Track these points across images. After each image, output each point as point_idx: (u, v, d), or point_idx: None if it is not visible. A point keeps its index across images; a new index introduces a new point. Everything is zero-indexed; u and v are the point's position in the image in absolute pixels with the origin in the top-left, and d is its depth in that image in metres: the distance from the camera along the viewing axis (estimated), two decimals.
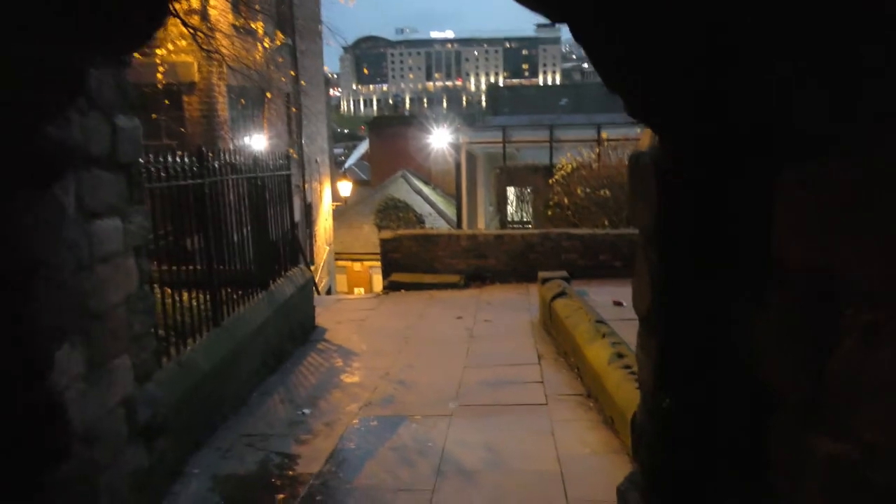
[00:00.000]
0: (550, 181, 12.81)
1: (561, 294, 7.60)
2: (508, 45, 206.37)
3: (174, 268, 5.02)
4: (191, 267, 5.51)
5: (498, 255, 11.12)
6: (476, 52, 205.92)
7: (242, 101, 13.16)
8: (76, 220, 2.86)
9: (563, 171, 12.46)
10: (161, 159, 4.64)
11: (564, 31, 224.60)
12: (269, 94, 14.15)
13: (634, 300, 2.63)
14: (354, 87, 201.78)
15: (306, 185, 18.25)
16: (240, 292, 6.31)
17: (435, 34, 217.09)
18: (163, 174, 4.73)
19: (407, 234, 11.34)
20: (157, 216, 4.70)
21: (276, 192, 8.00)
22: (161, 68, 10.02)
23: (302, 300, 8.13)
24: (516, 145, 21.25)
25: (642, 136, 2.90)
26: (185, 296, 5.46)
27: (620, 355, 5.11)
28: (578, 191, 11.71)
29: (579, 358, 5.97)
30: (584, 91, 32.48)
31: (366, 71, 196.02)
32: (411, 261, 11.28)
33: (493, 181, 23.82)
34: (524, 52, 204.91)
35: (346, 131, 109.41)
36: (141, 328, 3.71)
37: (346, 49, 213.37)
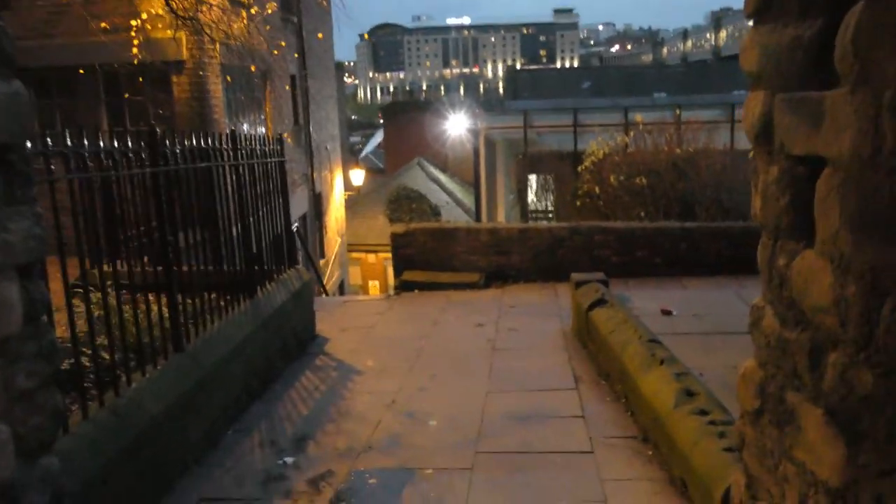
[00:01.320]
0: (579, 168, 11.62)
1: (600, 302, 6.44)
2: (525, 31, 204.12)
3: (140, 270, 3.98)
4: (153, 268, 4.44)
5: (522, 251, 9.97)
6: (493, 39, 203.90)
7: (240, 82, 12.05)
8: None
9: (593, 158, 11.27)
10: (89, 143, 3.53)
11: (582, 16, 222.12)
12: (268, 77, 13.06)
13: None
14: (371, 75, 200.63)
15: (315, 174, 17.17)
16: (215, 303, 5.22)
17: (451, 21, 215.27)
18: (103, 163, 3.65)
19: (421, 228, 10.21)
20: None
21: (267, 182, 6.90)
22: (135, 41, 8.93)
23: (298, 307, 7.03)
24: (537, 130, 20.03)
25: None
26: (150, 308, 4.39)
27: (690, 393, 3.95)
28: (612, 179, 10.52)
29: (630, 388, 4.82)
30: (607, 74, 31.19)
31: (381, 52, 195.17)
32: (426, 257, 10.15)
33: (513, 168, 22.64)
34: (541, 37, 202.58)
35: (362, 120, 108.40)
36: (29, 382, 2.61)
37: (361, 36, 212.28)
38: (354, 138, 78.80)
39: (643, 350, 4.92)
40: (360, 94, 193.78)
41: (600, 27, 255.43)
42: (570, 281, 7.39)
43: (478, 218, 21.84)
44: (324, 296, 10.55)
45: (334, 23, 20.63)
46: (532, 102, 23.80)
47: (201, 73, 10.07)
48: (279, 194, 7.28)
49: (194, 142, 4.99)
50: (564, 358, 6.44)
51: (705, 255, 9.63)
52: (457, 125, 27.96)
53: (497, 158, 21.50)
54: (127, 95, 9.53)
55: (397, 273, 10.25)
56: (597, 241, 9.79)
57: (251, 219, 6.28)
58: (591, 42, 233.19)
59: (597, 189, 10.76)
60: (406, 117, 30.89)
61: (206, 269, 5.23)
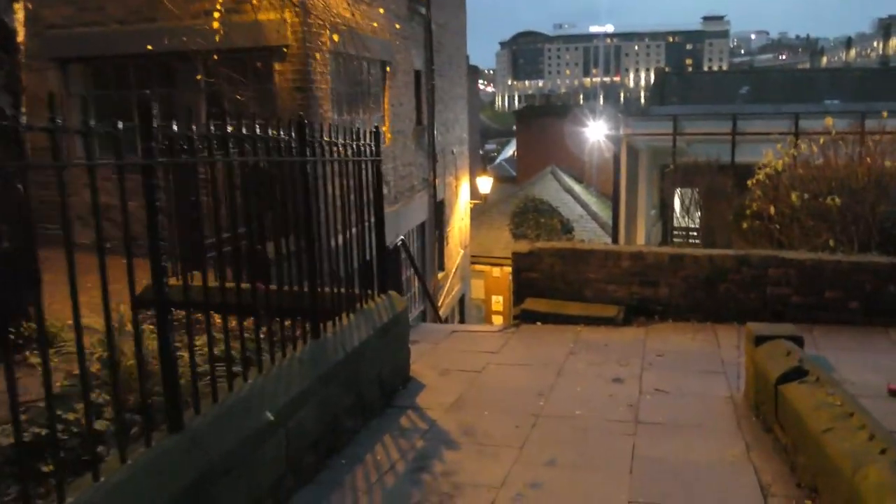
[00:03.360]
0: (750, 183, 9.48)
1: (797, 372, 4.51)
2: (671, 40, 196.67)
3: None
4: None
5: (672, 283, 8.05)
6: (636, 47, 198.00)
7: (354, 74, 10.81)
8: None
9: (768, 170, 9.13)
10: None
11: (734, 24, 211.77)
12: (389, 69, 11.77)
13: None
14: (509, 82, 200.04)
15: (438, 180, 15.80)
16: (254, 346, 3.81)
17: (594, 28, 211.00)
18: None
19: (549, 249, 8.50)
20: None
21: (357, 185, 5.47)
22: (218, 25, 7.81)
23: (386, 345, 5.54)
24: (687, 139, 17.73)
25: None
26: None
27: None
28: (793, 197, 8.35)
29: None
30: (769, 78, 28.02)
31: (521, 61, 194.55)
32: (553, 283, 8.44)
33: (656, 180, 20.42)
34: (688, 46, 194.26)
35: (499, 127, 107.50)
36: None
37: (501, 44, 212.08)
38: (490, 146, 77.99)
39: (893, 478, 3.02)
40: (498, 101, 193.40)
41: (753, 35, 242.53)
42: (747, 333, 5.45)
43: (615, 233, 19.78)
44: (428, 323, 9.04)
45: (467, 19, 19.28)
46: (682, 108, 21.43)
47: (307, 61, 8.85)
48: (370, 201, 5.83)
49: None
50: (741, 447, 4.56)
51: None
52: (596, 132, 25.93)
53: (639, 168, 19.37)
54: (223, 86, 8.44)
55: (517, 300, 8.59)
56: (772, 275, 7.72)
57: (322, 231, 4.85)
58: (742, 51, 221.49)
59: (771, 209, 8.63)
60: (541, 123, 29.08)
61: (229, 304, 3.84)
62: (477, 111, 46.33)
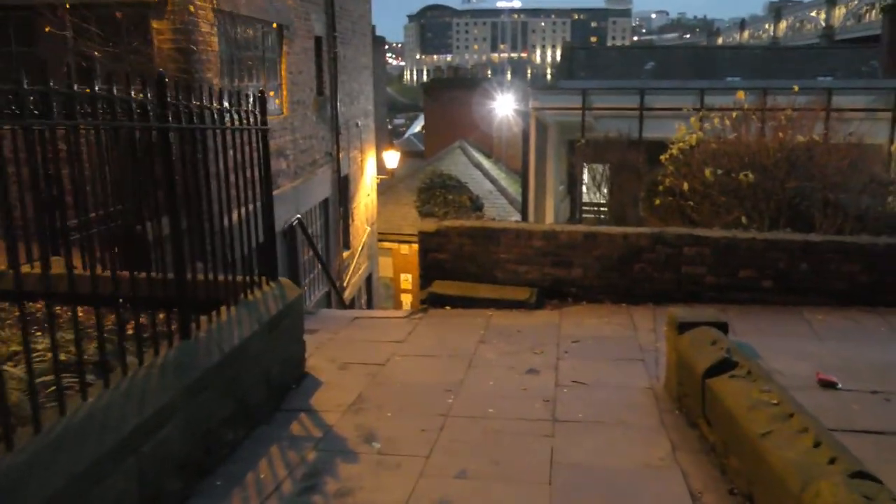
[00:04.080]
0: (663, 158, 9.21)
1: (725, 364, 4.14)
2: (577, 17, 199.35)
3: None
4: None
5: (587, 263, 7.68)
6: (543, 24, 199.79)
7: (245, 36, 9.90)
8: None
9: (681, 144, 8.87)
10: None
11: (636, 3, 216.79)
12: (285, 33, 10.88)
13: None
14: (418, 56, 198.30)
15: (342, 154, 15.01)
16: (79, 365, 3.09)
17: (502, 4, 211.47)
18: None
19: (457, 227, 7.97)
20: None
21: (241, 156, 4.76)
22: None
23: (274, 341, 4.87)
24: (595, 114, 17.53)
25: None
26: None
27: None
28: (707, 173, 8.11)
29: None
30: (674, 55, 28.35)
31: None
32: (462, 265, 7.93)
33: (564, 156, 20.25)
34: (592, 24, 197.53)
35: (407, 102, 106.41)
36: None
37: (410, 17, 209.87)
38: (398, 120, 77.05)
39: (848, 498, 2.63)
40: (407, 75, 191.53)
41: (653, 15, 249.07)
42: (669, 319, 5.07)
43: (524, 209, 19.50)
44: (328, 309, 8.30)
45: None
46: (589, 83, 21.29)
47: (188, 18, 7.92)
48: (257, 176, 5.12)
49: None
50: (666, 448, 4.17)
51: (833, 279, 7.24)
52: (504, 106, 25.64)
53: (548, 144, 19.08)
54: (95, 47, 7.43)
55: (425, 282, 8.04)
56: (686, 254, 7.45)
57: (194, 209, 4.13)
58: (644, 30, 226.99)
59: (685, 185, 8.37)
60: (449, 95, 28.48)
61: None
62: (384, 84, 45.27)
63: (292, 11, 11.33)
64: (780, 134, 8.12)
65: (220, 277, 4.48)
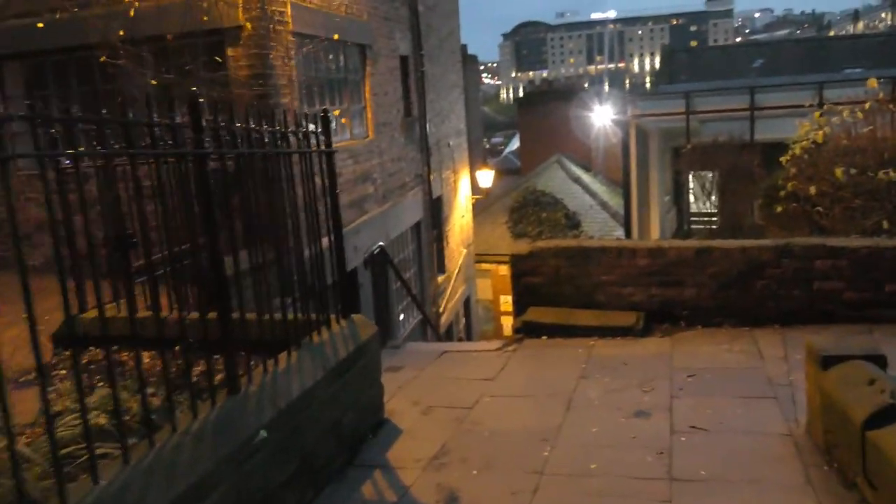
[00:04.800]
0: (784, 159, 8.19)
1: (891, 412, 3.27)
2: (675, 22, 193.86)
3: None
4: None
5: (700, 281, 6.80)
6: (640, 32, 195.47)
7: (325, 58, 9.61)
8: None
9: (804, 143, 7.84)
10: None
11: (737, 3, 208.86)
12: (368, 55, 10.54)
13: None
14: (514, 74, 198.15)
15: (433, 175, 14.58)
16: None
17: (596, 15, 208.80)
18: None
19: (552, 248, 7.27)
20: None
21: (304, 184, 4.31)
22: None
23: (345, 386, 4.34)
24: (700, 117, 16.38)
25: None
26: None
27: None
28: (838, 173, 7.08)
29: None
30: (783, 49, 26.51)
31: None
32: (559, 288, 7.22)
33: (668, 164, 19.13)
34: (692, 28, 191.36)
35: (505, 120, 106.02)
36: None
37: (504, 36, 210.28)
38: (496, 139, 76.76)
39: None
40: (503, 94, 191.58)
41: (757, 14, 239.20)
42: (808, 350, 4.21)
43: (627, 223, 18.48)
44: (415, 343, 7.72)
45: (469, 11, 18.03)
46: (692, 85, 20.06)
47: (265, 43, 7.65)
48: (323, 203, 4.64)
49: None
50: None
51: None
52: (602, 116, 24.66)
53: (650, 152, 18.04)
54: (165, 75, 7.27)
55: (518, 309, 7.37)
56: (819, 268, 6.45)
57: (246, 243, 3.66)
58: (747, 30, 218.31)
59: (811, 189, 7.34)
60: (545, 109, 27.71)
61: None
62: (479, 103, 45.04)
63: (374, 30, 11.00)
64: None
65: (278, 318, 3.99)
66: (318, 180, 4.61)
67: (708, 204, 15.61)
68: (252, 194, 3.83)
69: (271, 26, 7.72)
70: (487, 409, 5.16)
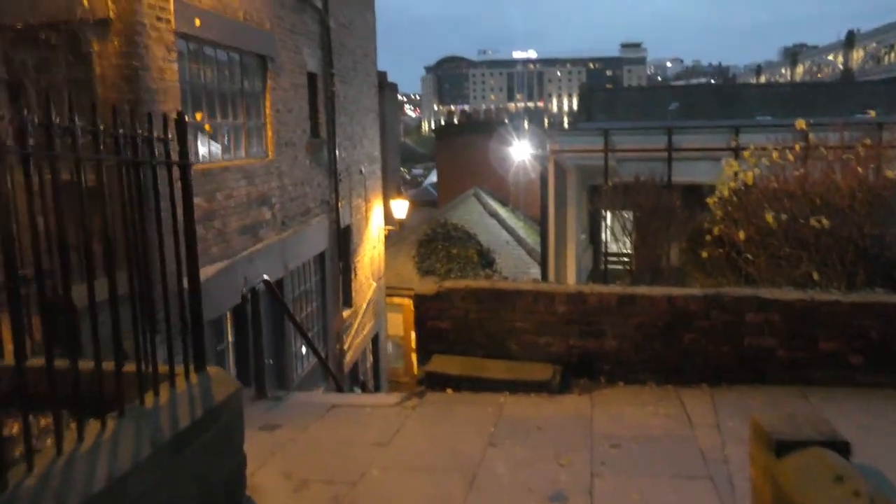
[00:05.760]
0: (711, 200, 7.70)
1: None
2: (592, 66, 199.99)
3: None
4: None
5: (623, 332, 6.12)
6: (559, 73, 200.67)
7: (217, 66, 8.61)
8: None
9: (731, 185, 7.37)
10: None
11: (650, 51, 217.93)
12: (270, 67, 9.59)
13: None
14: (436, 107, 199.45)
15: (342, 202, 13.65)
16: None
17: (517, 54, 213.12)
18: None
19: (462, 288, 6.46)
20: None
21: (147, 199, 3.34)
22: None
23: (183, 466, 3.34)
24: (618, 156, 16.11)
25: None
26: None
27: None
28: (769, 218, 6.58)
29: None
30: (698, 93, 27.01)
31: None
32: (468, 335, 6.41)
33: (585, 202, 18.82)
34: (608, 72, 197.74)
35: (425, 152, 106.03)
36: None
37: (427, 69, 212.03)
38: (417, 171, 76.50)
39: None
40: (425, 126, 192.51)
41: (668, 63, 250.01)
42: (755, 430, 3.49)
43: (544, 260, 18.00)
44: (300, 394, 6.67)
45: (387, 37, 17.31)
46: (610, 125, 19.93)
47: (137, 39, 6.61)
48: (169, 225, 3.67)
49: None
50: None
51: None
52: (521, 151, 24.38)
53: (568, 189, 17.64)
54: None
55: (422, 358, 6.51)
56: (750, 321, 5.87)
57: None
58: (659, 78, 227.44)
59: (740, 234, 6.83)
60: (463, 141, 27.23)
61: None
62: (399, 132, 44.43)
63: (278, 42, 10.08)
64: (860, 168, 6.59)
65: (93, 375, 2.99)
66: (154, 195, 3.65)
67: (625, 244, 15.25)
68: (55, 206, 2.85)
69: (148, 22, 6.69)
70: (374, 487, 4.24)
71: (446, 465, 4.50)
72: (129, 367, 3.30)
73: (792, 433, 3.32)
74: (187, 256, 3.84)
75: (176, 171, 3.75)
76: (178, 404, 3.48)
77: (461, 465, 4.46)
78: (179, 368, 3.76)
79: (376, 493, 4.16)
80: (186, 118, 3.84)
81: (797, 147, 7.17)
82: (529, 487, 4.13)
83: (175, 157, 3.71)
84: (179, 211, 3.75)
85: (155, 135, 3.51)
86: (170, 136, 3.65)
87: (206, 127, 8.39)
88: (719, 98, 25.05)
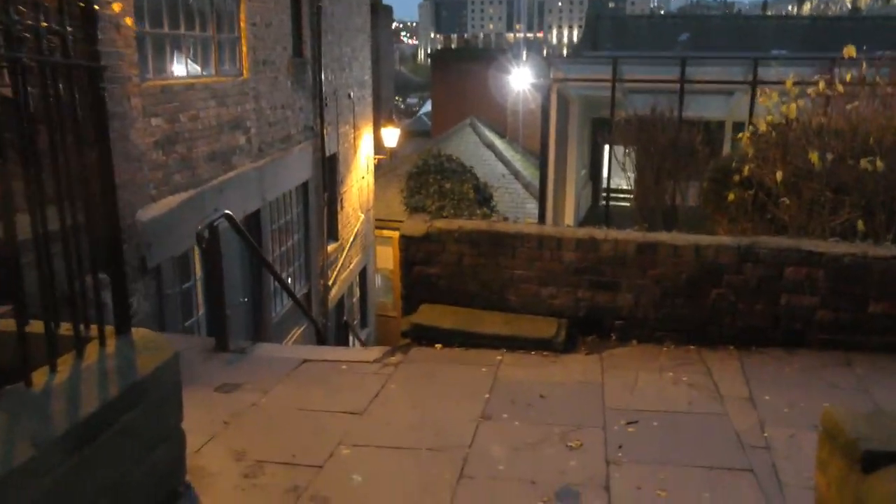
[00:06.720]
0: (744, 136, 6.79)
1: None
2: None
3: None
4: None
5: (640, 285, 5.32)
6: (560, 3, 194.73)
7: None
8: None
9: (770, 118, 6.45)
10: None
11: None
12: None
13: None
14: (432, 35, 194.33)
15: (328, 129, 12.66)
16: None
17: None
18: None
19: (456, 230, 5.61)
20: None
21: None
22: None
23: (95, 461, 2.55)
24: (627, 86, 15.00)
25: None
26: None
27: None
28: (814, 157, 5.70)
29: None
30: (711, 24, 25.66)
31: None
32: (461, 283, 5.60)
33: (588, 135, 17.85)
34: (610, 4, 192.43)
35: (422, 81, 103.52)
36: None
37: None
38: (412, 100, 74.67)
39: None
40: (421, 54, 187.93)
41: None
42: (829, 430, 2.71)
43: (542, 196, 17.05)
44: (269, 344, 5.82)
45: None
46: (618, 53, 18.74)
47: None
48: (75, 147, 2.80)
49: None
50: None
51: None
52: (521, 80, 23.18)
53: (570, 122, 16.62)
54: None
55: (408, 307, 5.71)
56: (789, 277, 5.07)
57: None
58: (661, 12, 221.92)
59: (777, 174, 5.96)
60: (460, 68, 25.88)
61: None
62: (394, 59, 42.79)
63: None
64: None
65: None
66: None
67: (629, 180, 14.32)
68: None
69: None
70: (342, 472, 3.49)
71: (431, 444, 3.74)
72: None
73: (881, 440, 2.53)
74: (101, 188, 2.96)
75: (83, 77, 2.84)
76: (84, 382, 2.68)
77: (449, 446, 3.71)
78: (95, 332, 2.95)
79: (343, 482, 3.40)
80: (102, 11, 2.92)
81: (848, 77, 6.23)
82: (532, 479, 3.38)
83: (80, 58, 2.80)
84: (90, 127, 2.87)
85: (45, 25, 2.59)
86: (69, 28, 2.73)
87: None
88: (732, 30, 23.74)
